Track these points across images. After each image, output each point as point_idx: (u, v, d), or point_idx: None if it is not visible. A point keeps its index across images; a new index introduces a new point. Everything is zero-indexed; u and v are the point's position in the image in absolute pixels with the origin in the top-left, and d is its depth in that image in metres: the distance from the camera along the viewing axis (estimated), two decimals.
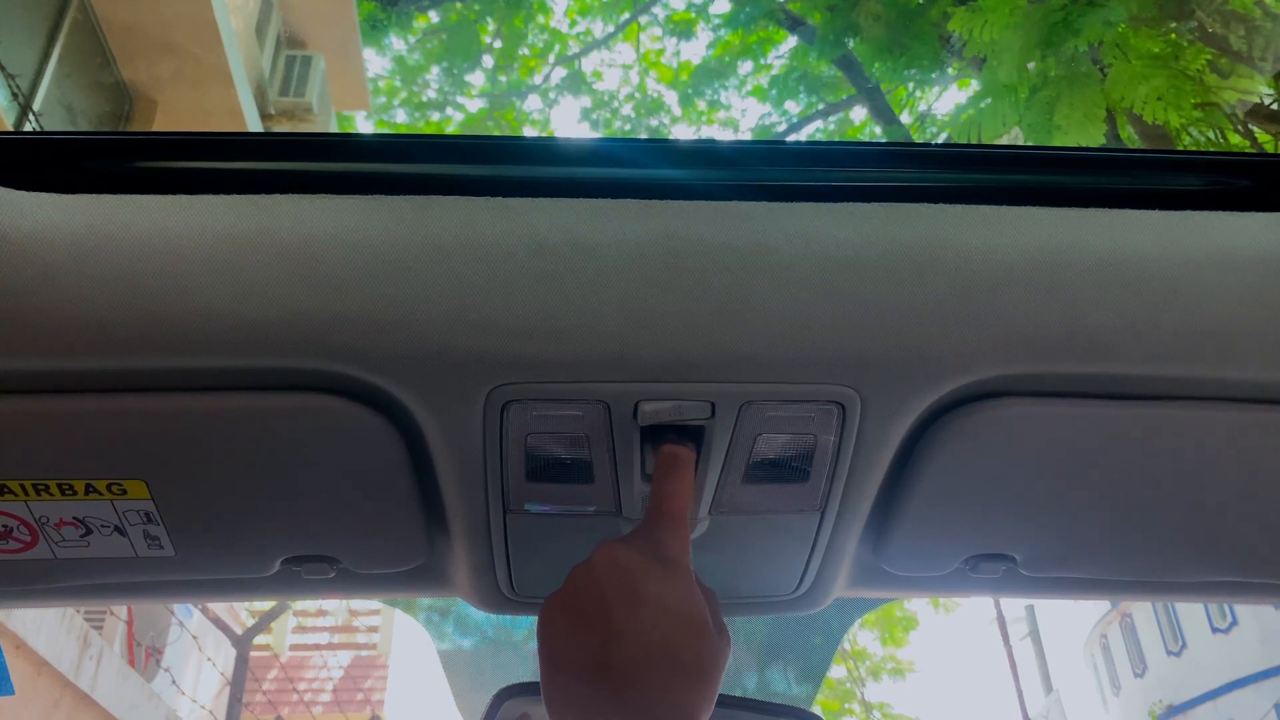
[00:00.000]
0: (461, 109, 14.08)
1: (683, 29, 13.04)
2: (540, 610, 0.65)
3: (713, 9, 12.70)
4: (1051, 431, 0.73)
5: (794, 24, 9.86)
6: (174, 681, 8.64)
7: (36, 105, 6.41)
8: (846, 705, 15.83)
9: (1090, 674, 18.99)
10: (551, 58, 13.82)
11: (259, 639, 9.67)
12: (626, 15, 13.45)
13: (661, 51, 13.85)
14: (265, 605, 8.84)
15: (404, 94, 13.89)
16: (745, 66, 12.32)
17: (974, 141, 5.90)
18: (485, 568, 0.85)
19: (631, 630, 0.60)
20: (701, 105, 13.42)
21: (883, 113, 9.96)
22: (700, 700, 0.60)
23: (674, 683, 0.59)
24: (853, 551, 0.86)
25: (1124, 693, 17.37)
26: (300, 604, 11.24)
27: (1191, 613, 15.03)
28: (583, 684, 0.60)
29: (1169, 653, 15.73)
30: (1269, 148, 5.63)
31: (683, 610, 0.62)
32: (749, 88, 12.53)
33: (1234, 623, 14.09)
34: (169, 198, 0.63)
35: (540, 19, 13.29)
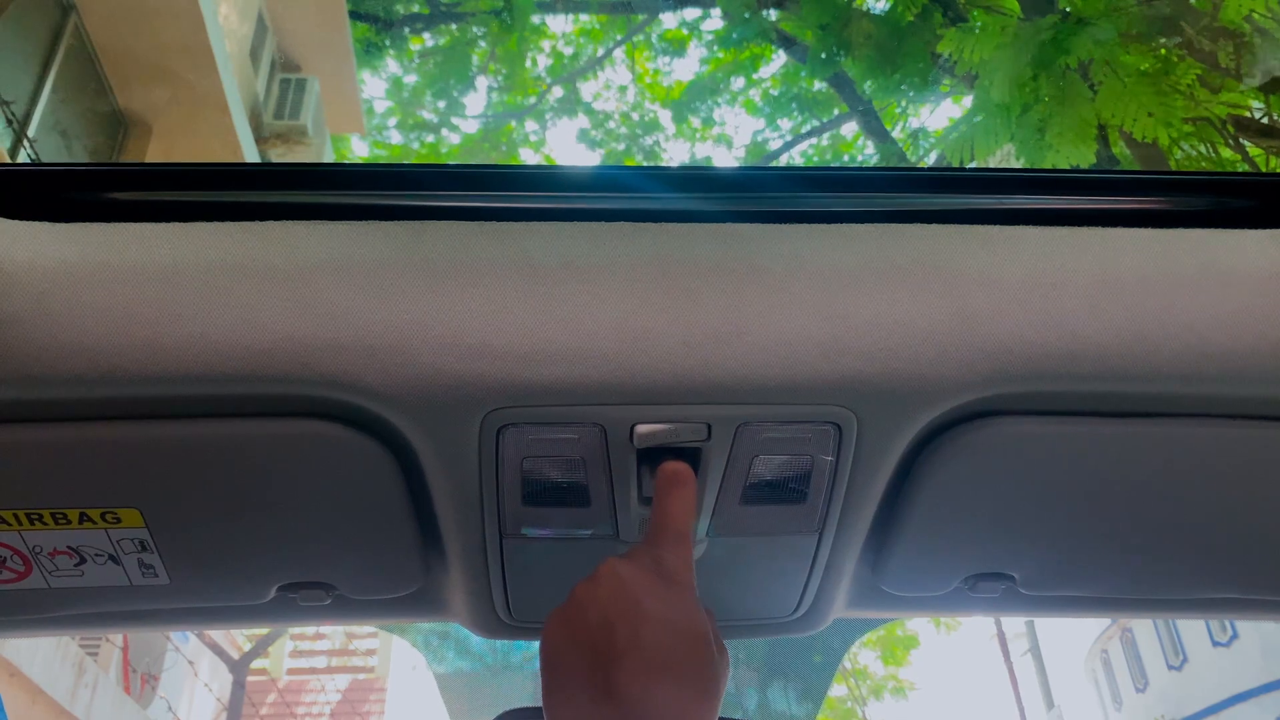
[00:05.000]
0: (457, 130, 14.15)
1: (676, 47, 13.12)
2: (543, 627, 0.65)
3: (704, 26, 12.75)
4: (1049, 450, 0.73)
5: (786, 43, 9.92)
6: (170, 708, 8.58)
7: (31, 131, 6.43)
8: None
9: (1092, 689, 18.91)
10: (548, 78, 13.90)
11: (256, 663, 9.63)
12: (620, 37, 13.53)
13: (657, 72, 13.91)
14: (262, 630, 8.80)
15: (399, 116, 13.95)
16: (738, 82, 12.40)
17: (966, 159, 5.93)
18: (482, 593, 0.85)
19: (635, 648, 0.60)
20: (695, 122, 13.49)
21: (875, 130, 10.01)
22: (704, 718, 0.60)
23: (677, 701, 0.59)
24: (851, 572, 0.86)
25: (1126, 708, 17.29)
26: (297, 628, 11.18)
27: (1192, 627, 14.98)
28: (585, 701, 0.59)
29: (1170, 667, 15.67)
30: (1260, 161, 5.66)
31: (686, 627, 0.62)
32: (741, 100, 12.60)
33: (1234, 636, 14.05)
34: (162, 226, 0.64)
35: (544, 44, 13.38)
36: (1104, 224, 0.68)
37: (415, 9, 11.92)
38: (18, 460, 0.69)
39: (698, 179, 0.71)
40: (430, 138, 13.83)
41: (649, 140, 14.07)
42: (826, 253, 0.66)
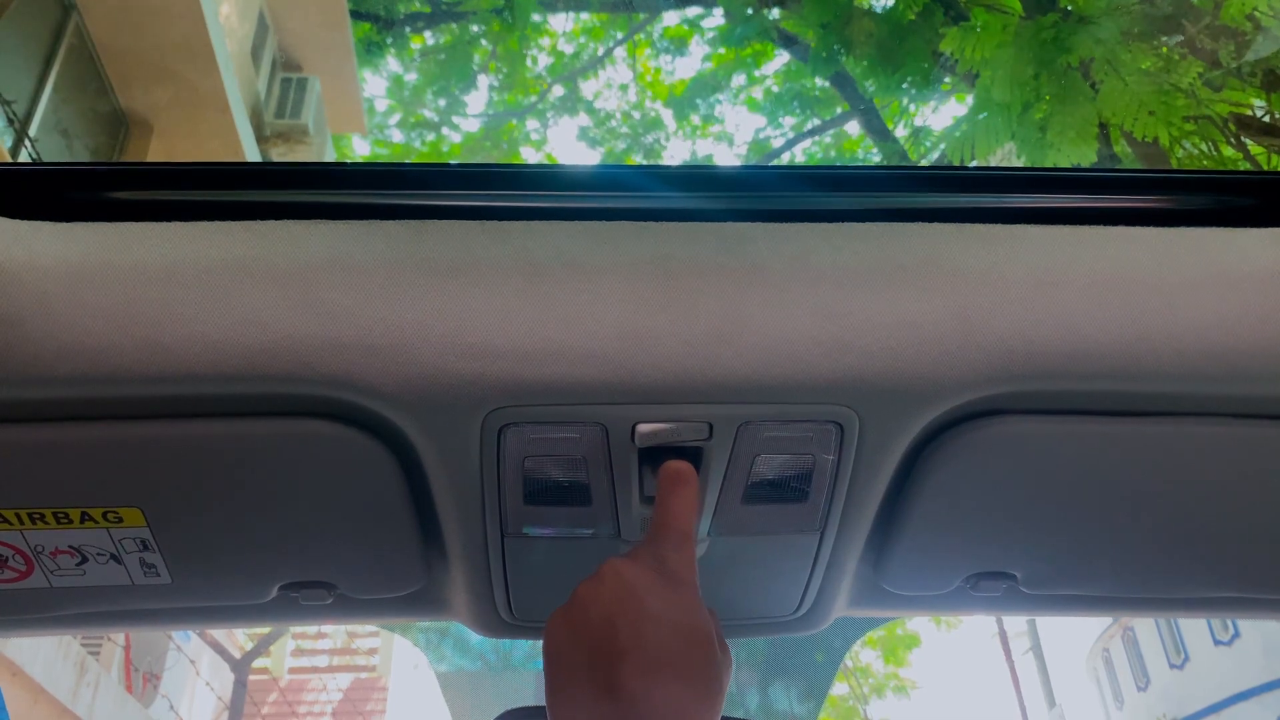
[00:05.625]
0: (458, 129, 14.15)
1: (677, 45, 13.12)
2: (546, 626, 0.65)
3: (706, 23, 12.75)
4: (1050, 448, 0.73)
5: (787, 41, 9.92)
6: (172, 707, 8.59)
7: (33, 131, 6.43)
8: None
9: (1093, 688, 18.91)
10: (548, 77, 13.90)
11: (257, 662, 9.63)
12: (621, 35, 13.53)
13: (658, 70, 13.91)
14: (264, 629, 8.80)
15: (400, 114, 13.95)
16: (739, 79, 12.40)
17: (968, 158, 5.93)
18: (484, 592, 0.85)
19: (638, 647, 0.60)
20: (695, 119, 13.49)
21: (876, 129, 10.01)
22: (707, 717, 0.60)
23: (680, 699, 0.59)
24: (853, 571, 0.86)
25: (1127, 706, 17.29)
26: (299, 627, 11.17)
27: (1193, 625, 14.97)
28: (589, 700, 0.59)
29: (1171, 666, 15.67)
30: (1261, 159, 5.65)
31: (689, 627, 0.62)
32: (743, 98, 12.60)
33: (1236, 635, 14.05)
34: (164, 225, 0.64)
35: (544, 41, 13.38)
36: (1105, 222, 0.68)
37: (416, 8, 11.92)
38: (19, 460, 0.69)
39: (699, 178, 0.71)
40: (431, 136, 13.83)
41: (650, 139, 14.07)
42: (828, 252, 0.66)
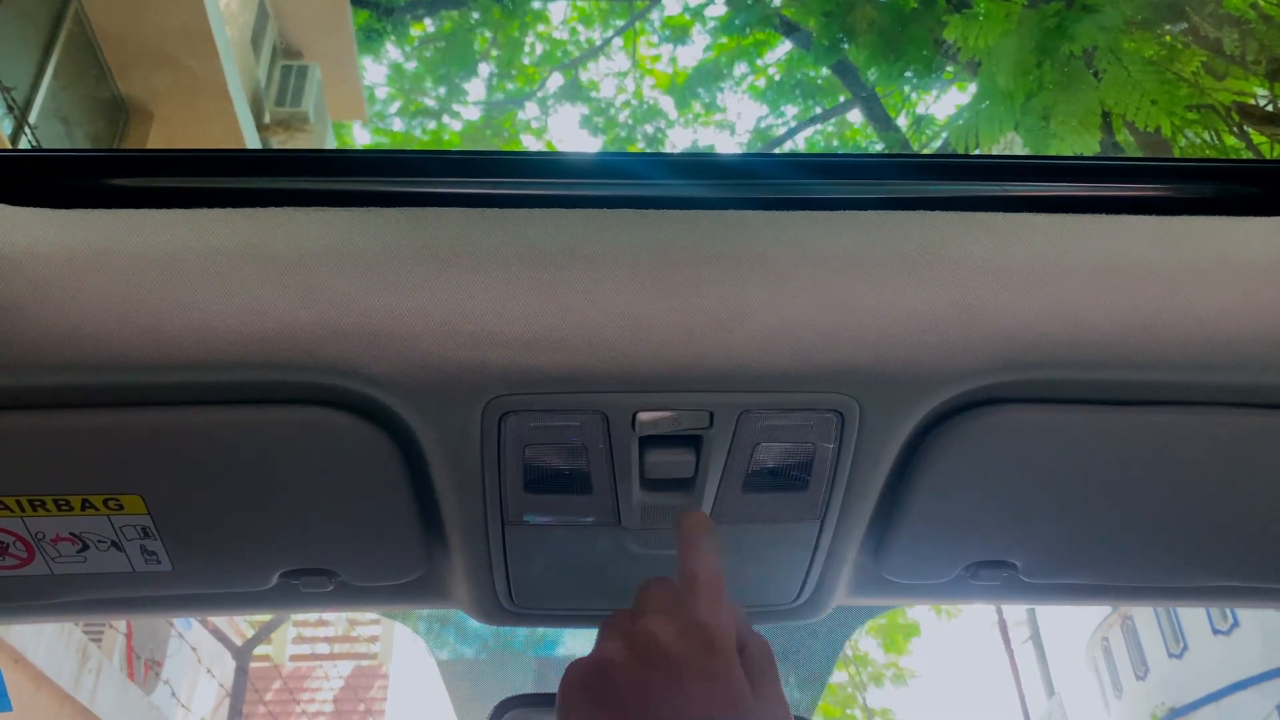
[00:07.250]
0: (458, 117, 14.12)
1: (679, 34, 13.09)
2: (562, 679, 0.62)
3: (708, 12, 12.70)
4: (1051, 438, 0.73)
5: (789, 29, 9.88)
6: (174, 694, 8.62)
7: (32, 118, 6.42)
8: (848, 711, 15.81)
9: (1092, 677, 18.99)
10: (548, 66, 13.86)
11: (259, 650, 9.65)
12: (621, 22, 13.49)
13: (658, 58, 13.89)
14: (265, 616, 8.82)
15: (400, 102, 13.93)
16: (741, 68, 12.37)
17: (971, 146, 5.91)
18: (484, 580, 0.85)
19: None
20: (698, 108, 13.46)
21: (878, 118, 9.97)
22: None
23: None
24: (853, 559, 0.86)
25: (1126, 695, 17.36)
26: (300, 615, 11.20)
27: (1192, 615, 15.02)
28: None
29: (1170, 655, 15.72)
30: (1264, 149, 5.63)
31: (726, 708, 0.58)
32: (745, 87, 12.57)
33: (1235, 624, 14.08)
34: (164, 212, 0.63)
35: (540, 28, 13.35)
36: (1107, 211, 0.67)
37: None
38: (19, 447, 0.69)
39: (700, 166, 0.71)
40: (431, 124, 13.80)
41: (650, 127, 14.04)
42: (829, 240, 0.66)
